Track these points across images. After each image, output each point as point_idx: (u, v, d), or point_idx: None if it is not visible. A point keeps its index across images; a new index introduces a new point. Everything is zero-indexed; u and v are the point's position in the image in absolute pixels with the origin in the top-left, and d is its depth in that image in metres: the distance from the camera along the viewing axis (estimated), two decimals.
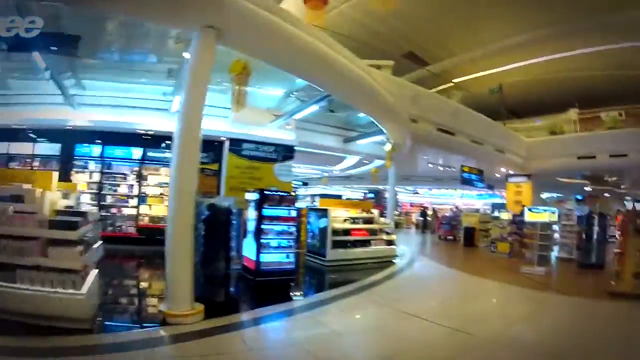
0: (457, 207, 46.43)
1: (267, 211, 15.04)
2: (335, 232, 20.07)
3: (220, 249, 12.44)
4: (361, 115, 23.16)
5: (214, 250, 12.33)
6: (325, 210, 20.15)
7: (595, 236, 22.21)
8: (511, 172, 33.94)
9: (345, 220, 21.09)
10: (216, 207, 12.61)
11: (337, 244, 19.98)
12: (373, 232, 21.91)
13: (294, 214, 15.74)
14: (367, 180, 43.34)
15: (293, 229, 15.55)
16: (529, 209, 20.96)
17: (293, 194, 16.00)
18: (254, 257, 14.89)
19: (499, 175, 35.51)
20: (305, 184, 42.53)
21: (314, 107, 18.71)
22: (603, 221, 22.68)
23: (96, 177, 21.60)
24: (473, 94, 32.99)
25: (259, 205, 14.97)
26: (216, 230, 12.39)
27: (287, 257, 15.44)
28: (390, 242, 22.47)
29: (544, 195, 43.61)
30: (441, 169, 35.54)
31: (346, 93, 17.42)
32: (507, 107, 34.02)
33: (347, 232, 20.71)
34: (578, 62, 28.47)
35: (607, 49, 25.78)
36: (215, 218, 12.46)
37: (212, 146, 22.04)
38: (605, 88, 30.46)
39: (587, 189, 41.24)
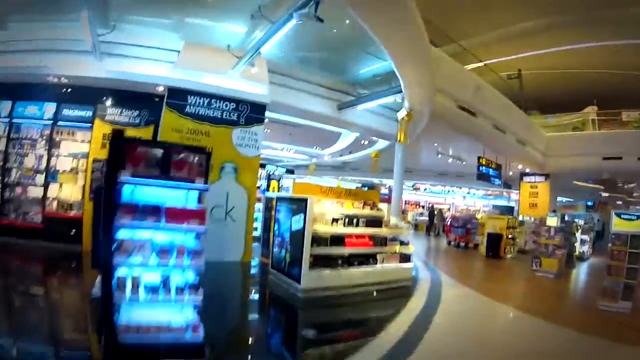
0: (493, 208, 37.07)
1: (130, 191, 5.41)
2: (318, 239, 10.29)
3: None
4: (364, 69, 16.34)
5: None
6: (303, 201, 10.18)
7: None
8: (527, 170, 27.75)
9: (336, 219, 10.99)
10: None
11: (319, 261, 10.24)
12: (381, 240, 11.72)
13: (203, 201, 5.97)
14: (362, 172, 35.85)
15: (197, 242, 5.77)
16: (617, 214, 12.89)
17: (208, 149, 6.03)
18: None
19: (511, 173, 28.19)
20: (291, 172, 32.22)
21: (292, 23, 9.72)
22: None
23: (2, 144, 14.21)
24: (488, 80, 23.80)
25: (110, 177, 5.02)
26: None
27: (193, 309, 5.66)
28: (405, 258, 12.24)
29: None
30: (450, 161, 27.67)
31: None
32: (525, 99, 26.29)
33: (338, 239, 10.76)
34: (597, 58, 22.38)
35: (628, 44, 20.21)
36: None
37: (147, 101, 14.16)
38: (624, 88, 24.08)
39: (604, 194, 36.68)
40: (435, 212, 35.37)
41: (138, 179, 5.04)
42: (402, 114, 15.46)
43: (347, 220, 10.99)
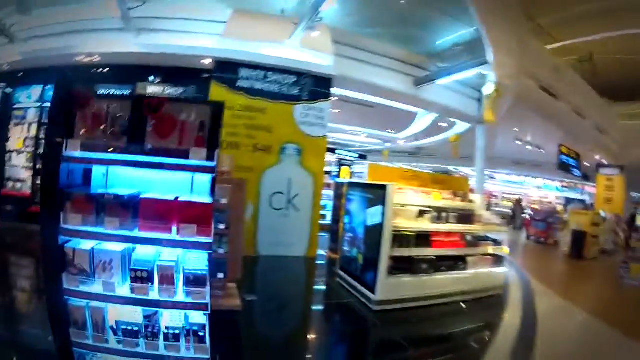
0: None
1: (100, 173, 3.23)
2: (400, 237, 7.49)
3: None
4: (442, 39, 14.37)
5: None
6: (382, 189, 7.43)
7: None
8: (604, 161, 25.38)
9: (421, 213, 8.12)
10: None
11: (400, 265, 7.52)
12: (474, 240, 8.95)
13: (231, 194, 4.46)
14: (437, 158, 32.22)
15: (204, 262, 3.13)
16: None
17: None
18: None
19: (588, 165, 26.11)
20: (363, 157, 28.53)
21: None
22: None
23: (35, 129, 12.47)
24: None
25: (50, 151, 3.25)
26: None
27: None
28: (498, 261, 9.37)
29: None
30: (530, 148, 24.87)
31: None
32: (596, 85, 22.99)
33: (424, 238, 7.92)
34: None
35: None
36: None
37: (192, 77, 12.29)
38: None
39: None
40: (516, 205, 32.00)
41: (91, 155, 2.83)
42: (488, 89, 13.20)
43: (436, 213, 8.25)
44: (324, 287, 9.25)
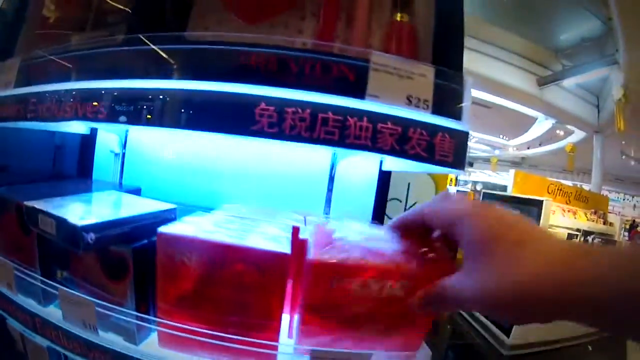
0: None
1: None
2: None
3: None
4: (568, 33, 11.40)
5: None
6: (534, 205, 5.46)
7: None
8: None
9: (569, 237, 6.09)
10: None
11: None
12: None
13: None
14: (540, 170, 25.82)
15: None
16: None
17: None
18: None
19: None
20: (470, 164, 24.67)
21: None
22: None
23: None
24: None
25: None
26: None
27: None
28: None
29: None
30: (633, 164, 22.44)
31: None
32: None
33: None
34: None
35: None
36: None
37: None
38: None
39: None
40: (631, 230, 29.11)
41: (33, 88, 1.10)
42: (618, 93, 11.21)
43: (582, 239, 6.42)
44: (446, 321, 7.47)
